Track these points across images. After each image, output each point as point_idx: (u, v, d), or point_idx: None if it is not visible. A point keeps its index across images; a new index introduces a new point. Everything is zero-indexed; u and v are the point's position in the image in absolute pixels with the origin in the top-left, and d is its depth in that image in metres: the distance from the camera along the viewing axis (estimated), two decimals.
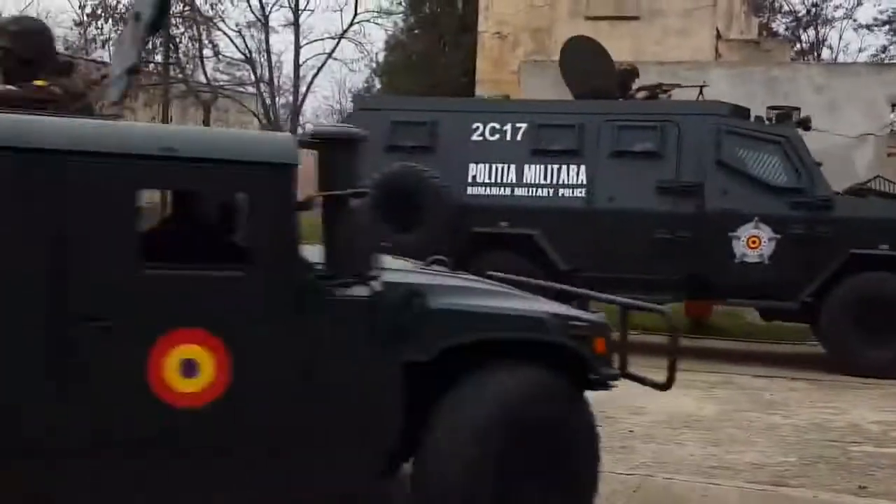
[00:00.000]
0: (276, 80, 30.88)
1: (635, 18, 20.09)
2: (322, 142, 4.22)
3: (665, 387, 4.69)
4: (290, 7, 29.66)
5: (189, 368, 3.92)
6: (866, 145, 16.07)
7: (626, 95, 11.83)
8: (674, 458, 6.53)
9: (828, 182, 10.45)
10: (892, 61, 29.94)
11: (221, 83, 28.87)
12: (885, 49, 34.86)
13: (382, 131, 10.75)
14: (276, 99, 30.44)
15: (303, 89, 30.21)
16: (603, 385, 4.59)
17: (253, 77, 29.91)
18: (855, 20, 41.14)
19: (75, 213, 3.77)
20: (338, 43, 30.27)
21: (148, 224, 4.66)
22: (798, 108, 11.33)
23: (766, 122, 10.92)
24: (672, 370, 4.64)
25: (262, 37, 30.28)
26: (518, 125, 10.92)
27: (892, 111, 16.78)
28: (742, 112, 10.97)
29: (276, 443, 4.05)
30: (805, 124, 10.99)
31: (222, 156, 4.01)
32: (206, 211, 5.00)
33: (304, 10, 31.67)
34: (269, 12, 29.86)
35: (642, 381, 4.77)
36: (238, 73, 30.68)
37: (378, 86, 30.27)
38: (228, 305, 3.97)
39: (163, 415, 3.86)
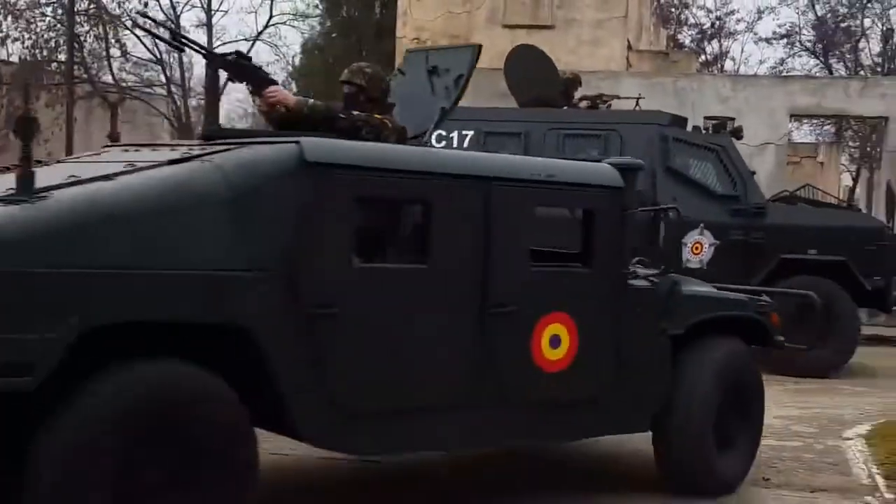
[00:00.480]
0: (187, 82, 30.53)
1: (550, 27, 20.56)
2: (622, 170, 5.41)
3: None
4: (202, 7, 29.45)
5: (555, 342, 5.03)
6: (767, 154, 16.89)
7: (570, 104, 11.98)
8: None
9: (761, 190, 11.01)
10: (792, 73, 31.15)
11: (129, 84, 28.12)
12: (783, 61, 36.21)
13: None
14: (188, 101, 30.13)
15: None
16: (778, 346, 6.24)
17: (163, 78, 29.34)
18: (755, 33, 42.62)
19: (496, 226, 4.78)
20: (252, 45, 30.00)
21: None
22: (732, 119, 11.81)
23: (703, 132, 11.39)
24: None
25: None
26: (465, 132, 11.05)
27: (791, 121, 17.61)
28: (681, 121, 11.29)
29: (597, 396, 5.24)
30: (738, 134, 11.50)
31: (583, 180, 5.22)
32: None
33: (218, 10, 31.28)
34: (181, 12, 29.56)
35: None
36: (147, 74, 29.82)
37: (295, 89, 30.32)
38: (579, 293, 5.14)
39: (539, 377, 4.97)
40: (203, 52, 5.20)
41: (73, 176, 3.99)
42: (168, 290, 3.86)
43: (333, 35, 27.91)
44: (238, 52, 5.30)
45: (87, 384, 3.71)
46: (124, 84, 27.51)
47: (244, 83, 5.23)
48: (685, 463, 5.66)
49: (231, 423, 4.00)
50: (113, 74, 26.68)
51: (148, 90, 29.04)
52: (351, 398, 4.36)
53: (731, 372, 5.81)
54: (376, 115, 5.16)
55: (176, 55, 29.44)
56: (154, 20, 6.97)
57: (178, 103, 28.88)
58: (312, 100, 5.28)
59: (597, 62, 19.02)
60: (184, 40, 5.27)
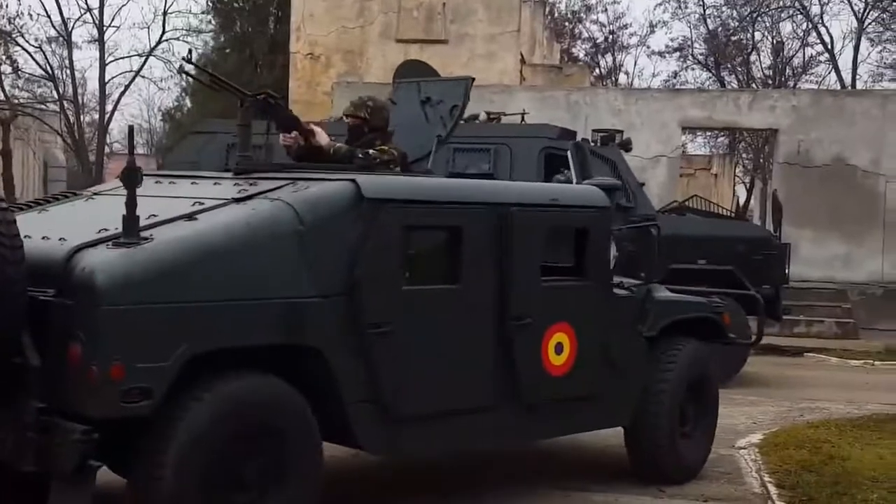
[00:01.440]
0: (80, 98, 29.89)
1: (444, 42, 20.58)
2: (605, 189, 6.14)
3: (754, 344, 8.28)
4: (94, 23, 28.81)
5: (559, 349, 5.71)
6: (660, 166, 17.05)
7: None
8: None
9: (650, 202, 11.02)
10: (682, 87, 31.67)
11: (21, 100, 27.65)
12: (676, 75, 36.76)
13: (219, 155, 10.47)
14: (81, 117, 29.42)
15: (109, 107, 29.41)
16: (729, 342, 7.12)
17: (55, 94, 28.84)
18: (649, 47, 43.15)
19: (515, 246, 5.41)
20: (145, 61, 29.59)
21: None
22: (621, 131, 11.82)
23: (592, 144, 11.39)
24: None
25: (65, 53, 29.25)
26: None
27: (683, 134, 17.81)
28: (569, 135, 11.32)
29: (592, 394, 5.93)
30: (626, 146, 11.51)
31: (579, 202, 5.92)
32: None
33: (110, 26, 30.62)
34: (72, 28, 28.88)
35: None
36: (39, 91, 29.31)
37: (189, 105, 29.75)
38: (576, 304, 5.82)
39: (547, 380, 5.65)
40: (239, 93, 5.60)
41: (153, 215, 4.51)
42: (257, 317, 4.49)
43: (227, 50, 27.48)
44: (268, 93, 5.74)
45: (194, 399, 4.28)
46: (16, 101, 26.76)
47: (272, 121, 5.83)
48: (657, 453, 6.33)
49: (305, 428, 4.63)
50: (4, 91, 26.09)
51: (41, 106, 28.42)
52: (401, 406, 5.00)
53: (695, 368, 6.52)
54: (382, 146, 5.83)
55: (68, 71, 28.87)
56: (196, 65, 7.05)
57: (72, 120, 28.17)
58: (337, 144, 5.99)
59: (491, 76, 19.04)
60: (222, 83, 5.77)
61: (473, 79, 6.30)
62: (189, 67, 5.75)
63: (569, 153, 10.24)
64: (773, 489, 6.40)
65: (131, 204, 4.22)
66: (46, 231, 4.59)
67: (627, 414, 6.24)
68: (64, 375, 4.12)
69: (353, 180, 4.97)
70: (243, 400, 4.45)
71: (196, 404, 4.30)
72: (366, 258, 4.84)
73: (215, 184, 5.24)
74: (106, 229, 4.36)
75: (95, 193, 5.70)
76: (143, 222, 4.34)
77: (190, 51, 6.04)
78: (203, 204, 4.74)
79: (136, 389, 4.10)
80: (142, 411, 4.14)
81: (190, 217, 4.57)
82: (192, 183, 5.36)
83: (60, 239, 4.41)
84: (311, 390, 4.71)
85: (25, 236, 4.23)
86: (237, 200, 4.79)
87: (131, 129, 4.50)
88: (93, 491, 4.14)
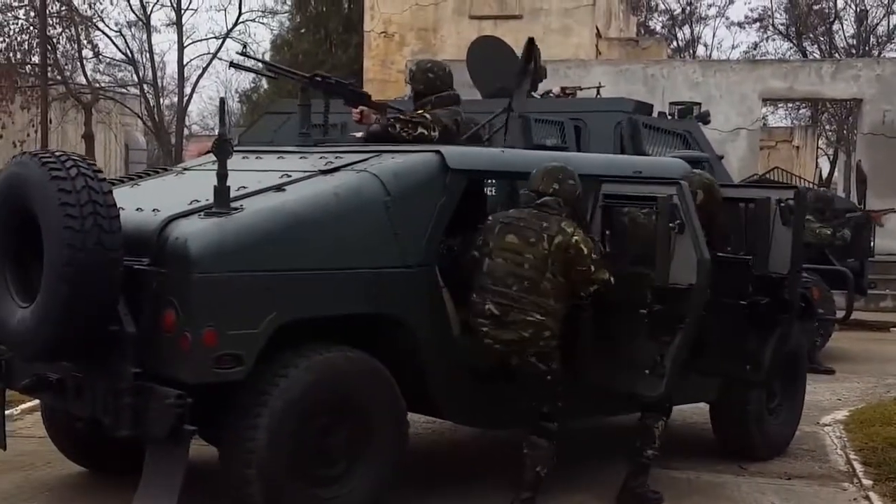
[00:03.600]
0: (159, 81, 30.37)
1: (518, 17, 20.45)
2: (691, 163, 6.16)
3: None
4: (171, 6, 29.19)
5: None
6: (739, 139, 16.77)
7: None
8: None
9: (730, 174, 10.85)
10: (765, 58, 31.07)
11: (102, 84, 28.15)
12: (756, 46, 36.21)
13: (295, 135, 10.48)
14: (161, 100, 29.91)
15: (188, 90, 29.84)
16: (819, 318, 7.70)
17: (136, 78, 29.36)
18: (727, 18, 42.48)
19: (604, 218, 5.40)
20: (222, 43, 29.93)
21: None
22: (699, 103, 11.64)
23: (669, 118, 11.21)
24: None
25: (144, 37, 29.72)
26: None
27: (763, 106, 17.47)
28: (646, 108, 11.18)
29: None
30: (704, 119, 11.30)
31: (661, 174, 5.71)
32: None
33: (187, 9, 31.07)
34: (151, 12, 29.31)
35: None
36: (120, 75, 29.95)
37: (266, 86, 30.05)
38: None
39: None
40: (294, 76, 6.02)
41: (243, 187, 4.56)
42: (345, 287, 4.54)
43: (302, 31, 27.68)
44: (316, 74, 5.99)
45: (289, 366, 4.36)
46: (98, 85, 27.35)
47: (334, 98, 6.01)
48: (744, 430, 6.27)
49: (391, 400, 4.66)
50: (86, 75, 26.57)
51: (122, 90, 29.00)
52: (485, 377, 5.02)
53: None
54: (416, 114, 5.56)
55: (147, 55, 29.33)
56: (250, 55, 7.33)
57: (152, 103, 28.65)
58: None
59: (566, 51, 18.89)
60: (277, 69, 6.20)
61: (531, 39, 6.26)
62: (244, 61, 5.81)
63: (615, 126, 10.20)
64: (858, 466, 6.26)
65: (223, 175, 4.29)
66: (140, 203, 4.70)
67: (713, 390, 6.14)
68: (158, 342, 4.20)
69: (437, 151, 5.02)
70: (336, 369, 4.51)
71: (292, 371, 4.37)
72: (450, 229, 4.94)
73: (301, 157, 5.28)
74: (197, 201, 4.45)
75: (186, 168, 5.82)
76: (233, 194, 4.39)
77: (245, 45, 6.21)
78: (290, 176, 4.79)
79: (228, 356, 4.16)
80: (234, 377, 4.21)
81: (279, 188, 4.64)
82: (279, 157, 5.42)
83: (154, 210, 4.50)
84: (397, 361, 4.75)
85: (120, 208, 4.30)
86: (324, 172, 4.85)
87: (223, 101, 4.58)
88: (187, 455, 4.22)
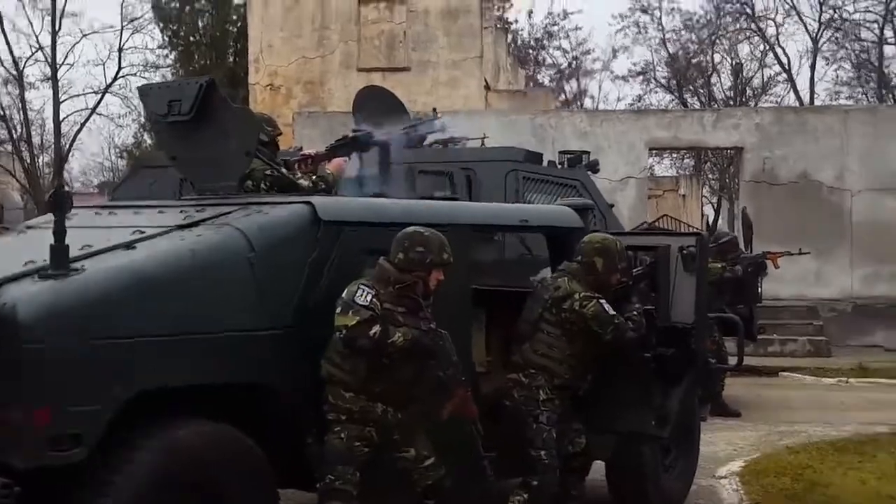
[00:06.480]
0: (40, 138, 29.47)
1: (406, 70, 20.45)
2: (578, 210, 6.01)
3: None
4: (46, 61, 28.48)
5: None
6: (629, 188, 16.90)
7: (420, 144, 11.75)
8: None
9: (620, 222, 10.81)
10: (648, 108, 31.70)
11: None
12: (640, 98, 36.88)
13: (172, 190, 10.16)
14: (41, 157, 29.00)
15: (67, 146, 28.97)
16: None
17: (9, 135, 28.44)
18: (612, 72, 43.24)
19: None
20: (101, 98, 29.30)
21: None
22: (588, 152, 11.61)
23: (559, 167, 11.16)
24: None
25: (18, 93, 28.83)
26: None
27: (650, 156, 17.68)
28: (535, 157, 11.11)
29: None
30: (594, 167, 11.27)
31: (551, 223, 5.83)
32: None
33: (63, 63, 30.26)
34: (24, 67, 28.54)
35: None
36: None
37: (149, 141, 29.39)
38: None
39: None
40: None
41: (88, 245, 4.09)
42: (201, 353, 4.10)
43: None
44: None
45: (134, 448, 3.88)
46: None
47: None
48: (642, 489, 6.15)
49: (259, 478, 4.24)
50: None
51: None
52: None
53: None
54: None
55: (21, 111, 28.40)
56: None
57: (27, 160, 27.73)
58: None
59: (455, 102, 18.90)
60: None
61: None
62: None
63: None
64: None
65: (60, 231, 3.86)
66: None
67: (609, 447, 5.93)
68: None
69: (308, 202, 4.67)
70: (192, 448, 4.06)
71: (140, 454, 3.91)
72: (323, 286, 4.52)
73: (160, 212, 4.89)
74: (34, 262, 3.97)
75: (28, 227, 5.34)
76: (75, 253, 3.98)
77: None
78: (144, 232, 4.36)
79: (65, 436, 3.70)
80: (72, 460, 3.73)
81: (128, 246, 4.21)
82: (135, 212, 5.01)
83: None
84: (266, 433, 4.36)
85: None
86: (181, 227, 4.44)
87: (59, 149, 4.21)
88: None
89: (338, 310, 4.42)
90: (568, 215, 5.92)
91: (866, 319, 16.15)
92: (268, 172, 5.45)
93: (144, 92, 5.60)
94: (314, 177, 5.80)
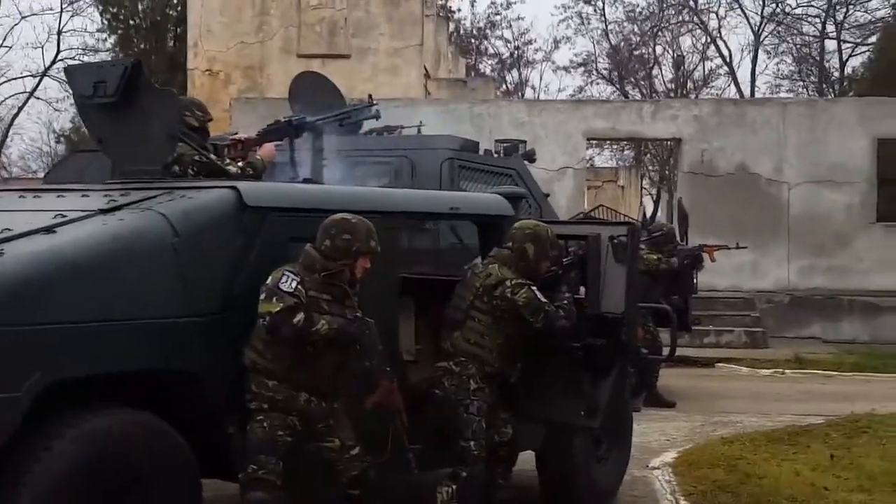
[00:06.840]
0: None
1: (346, 57, 20.25)
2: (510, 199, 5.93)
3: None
4: None
5: None
6: (566, 178, 16.90)
7: (356, 131, 11.63)
8: None
9: (555, 212, 10.77)
10: (587, 98, 31.77)
11: None
12: (581, 90, 36.93)
13: (105, 175, 9.95)
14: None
15: (4, 130, 28.34)
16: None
17: None
18: (553, 62, 43.43)
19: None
20: (39, 81, 28.73)
21: None
22: (524, 141, 11.55)
23: (495, 155, 11.09)
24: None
25: None
26: None
27: (589, 147, 17.69)
28: (472, 145, 11.04)
29: None
30: (530, 157, 11.22)
31: (481, 211, 5.78)
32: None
33: (2, 46, 29.64)
34: None
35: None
36: None
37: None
38: None
39: None
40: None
41: (7, 229, 4.04)
42: (121, 341, 4.02)
43: None
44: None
45: (54, 437, 3.81)
46: None
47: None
48: (573, 481, 6.06)
49: (182, 468, 4.18)
50: None
51: None
52: None
53: None
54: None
55: None
56: None
57: None
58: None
59: (395, 90, 18.74)
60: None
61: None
62: None
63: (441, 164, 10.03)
64: None
65: None
66: None
67: (539, 436, 5.88)
68: None
69: (233, 187, 4.61)
70: (112, 437, 3.99)
71: (58, 443, 3.84)
72: (248, 272, 4.44)
73: (84, 196, 4.79)
74: None
75: None
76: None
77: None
78: (66, 216, 4.28)
79: None
80: None
81: (49, 230, 4.12)
82: (59, 196, 4.88)
83: None
84: (190, 421, 4.28)
85: None
86: (104, 212, 4.36)
87: None
88: None
89: (262, 296, 4.36)
90: (498, 203, 5.85)
91: (803, 311, 16.34)
92: (196, 157, 5.37)
93: (70, 73, 5.56)
94: (243, 162, 5.70)
